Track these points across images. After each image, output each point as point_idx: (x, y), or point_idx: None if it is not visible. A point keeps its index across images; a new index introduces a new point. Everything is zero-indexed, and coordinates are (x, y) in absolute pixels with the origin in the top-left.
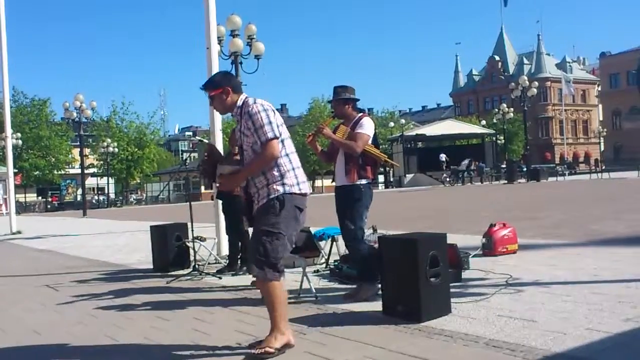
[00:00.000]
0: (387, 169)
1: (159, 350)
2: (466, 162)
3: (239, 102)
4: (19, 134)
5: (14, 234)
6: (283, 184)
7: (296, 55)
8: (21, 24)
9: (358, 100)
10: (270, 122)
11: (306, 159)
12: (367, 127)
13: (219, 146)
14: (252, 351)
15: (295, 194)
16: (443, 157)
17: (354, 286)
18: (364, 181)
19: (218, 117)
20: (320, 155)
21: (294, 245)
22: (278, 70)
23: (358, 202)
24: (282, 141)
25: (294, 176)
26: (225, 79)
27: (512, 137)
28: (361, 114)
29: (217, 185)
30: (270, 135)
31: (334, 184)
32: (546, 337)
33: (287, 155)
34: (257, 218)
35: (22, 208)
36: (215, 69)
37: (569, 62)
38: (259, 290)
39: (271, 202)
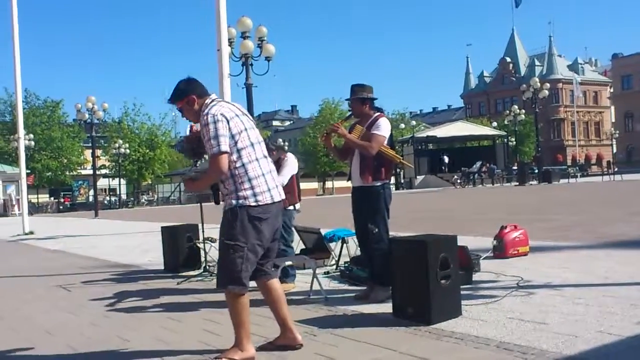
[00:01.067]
0: (398, 170)
1: (170, 351)
2: (478, 164)
3: (203, 108)
4: (31, 135)
5: (26, 234)
6: (237, 197)
7: (307, 56)
8: (34, 26)
9: (376, 99)
10: (217, 136)
11: (317, 160)
12: (383, 128)
13: None
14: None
15: (250, 206)
16: (446, 158)
17: (364, 288)
18: (379, 182)
19: None
20: (334, 152)
21: (260, 254)
22: (289, 72)
23: (376, 204)
24: (239, 150)
25: (249, 187)
26: (188, 87)
27: (524, 139)
28: (378, 113)
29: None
30: (214, 150)
31: (349, 183)
32: (557, 339)
33: (243, 165)
34: (220, 228)
35: (35, 209)
36: (226, 71)
37: (581, 64)
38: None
39: (226, 214)
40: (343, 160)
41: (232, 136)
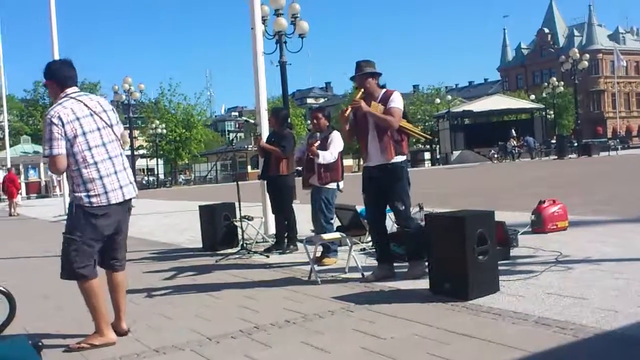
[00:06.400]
0: (433, 145)
1: (209, 327)
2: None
3: (58, 100)
4: None
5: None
6: (74, 196)
7: (341, 33)
8: (71, 7)
9: (381, 74)
10: (50, 139)
11: None
12: (400, 102)
13: (264, 125)
14: (70, 345)
15: (84, 205)
16: (513, 131)
17: (405, 264)
18: (402, 157)
19: (263, 96)
20: (346, 131)
21: (97, 247)
22: (323, 49)
23: (401, 180)
24: (75, 154)
25: (84, 190)
26: (53, 73)
27: (562, 112)
28: (385, 89)
29: None
30: (46, 152)
31: (364, 164)
32: (597, 315)
33: (79, 169)
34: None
35: None
36: (260, 49)
37: (622, 33)
38: (306, 269)
39: (69, 207)
40: (350, 141)
41: (68, 140)
